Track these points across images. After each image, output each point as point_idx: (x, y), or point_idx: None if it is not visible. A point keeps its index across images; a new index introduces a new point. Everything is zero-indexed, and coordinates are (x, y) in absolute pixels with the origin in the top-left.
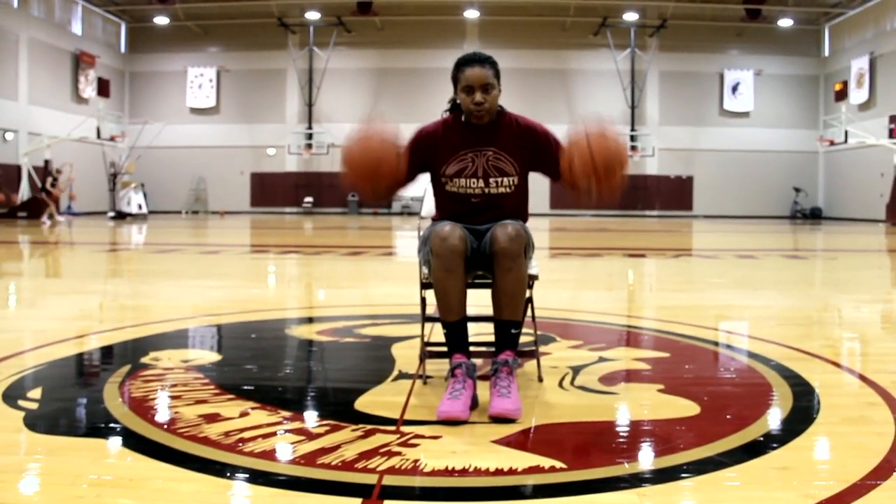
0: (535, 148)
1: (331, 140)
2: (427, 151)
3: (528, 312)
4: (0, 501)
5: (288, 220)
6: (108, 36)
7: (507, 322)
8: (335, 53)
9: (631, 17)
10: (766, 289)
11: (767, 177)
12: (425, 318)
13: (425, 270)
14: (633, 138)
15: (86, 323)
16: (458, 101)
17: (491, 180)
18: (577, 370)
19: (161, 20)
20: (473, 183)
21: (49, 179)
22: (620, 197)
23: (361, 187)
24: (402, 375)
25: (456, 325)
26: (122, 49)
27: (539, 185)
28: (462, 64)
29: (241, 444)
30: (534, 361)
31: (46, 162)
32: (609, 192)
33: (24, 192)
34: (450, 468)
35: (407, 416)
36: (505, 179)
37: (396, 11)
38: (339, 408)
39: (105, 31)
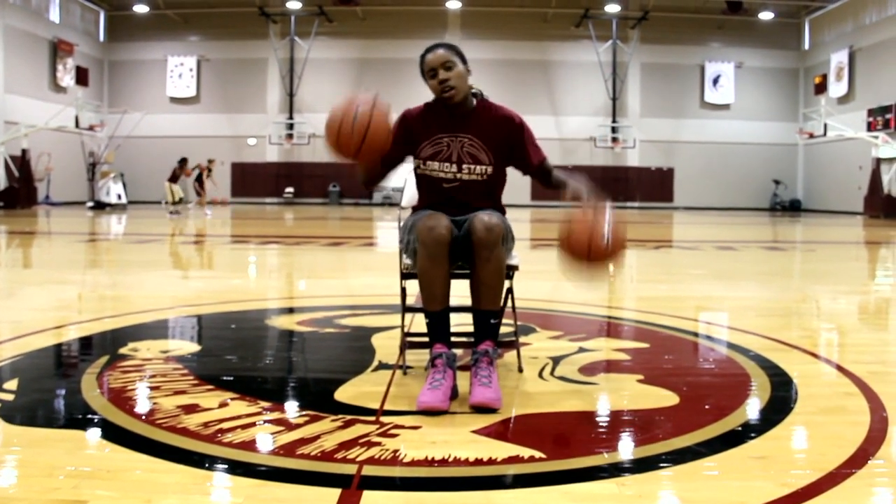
0: (511, 140)
1: (312, 130)
2: (411, 131)
3: (509, 303)
4: None
5: (269, 210)
6: (87, 24)
7: (486, 312)
8: (317, 43)
9: (613, 8)
10: (746, 280)
11: (747, 169)
12: (405, 309)
13: (407, 261)
14: (614, 129)
15: (64, 313)
16: (432, 92)
17: (464, 166)
18: (557, 360)
19: (140, 8)
20: (447, 167)
21: (205, 171)
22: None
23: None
24: (381, 366)
25: (439, 315)
26: (101, 37)
27: (520, 176)
28: (422, 56)
29: (220, 435)
30: (514, 352)
31: (24, 151)
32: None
33: (0, 182)
34: (429, 458)
35: (387, 407)
36: (478, 167)
37: (378, 1)
38: (318, 398)
39: (83, 19)
